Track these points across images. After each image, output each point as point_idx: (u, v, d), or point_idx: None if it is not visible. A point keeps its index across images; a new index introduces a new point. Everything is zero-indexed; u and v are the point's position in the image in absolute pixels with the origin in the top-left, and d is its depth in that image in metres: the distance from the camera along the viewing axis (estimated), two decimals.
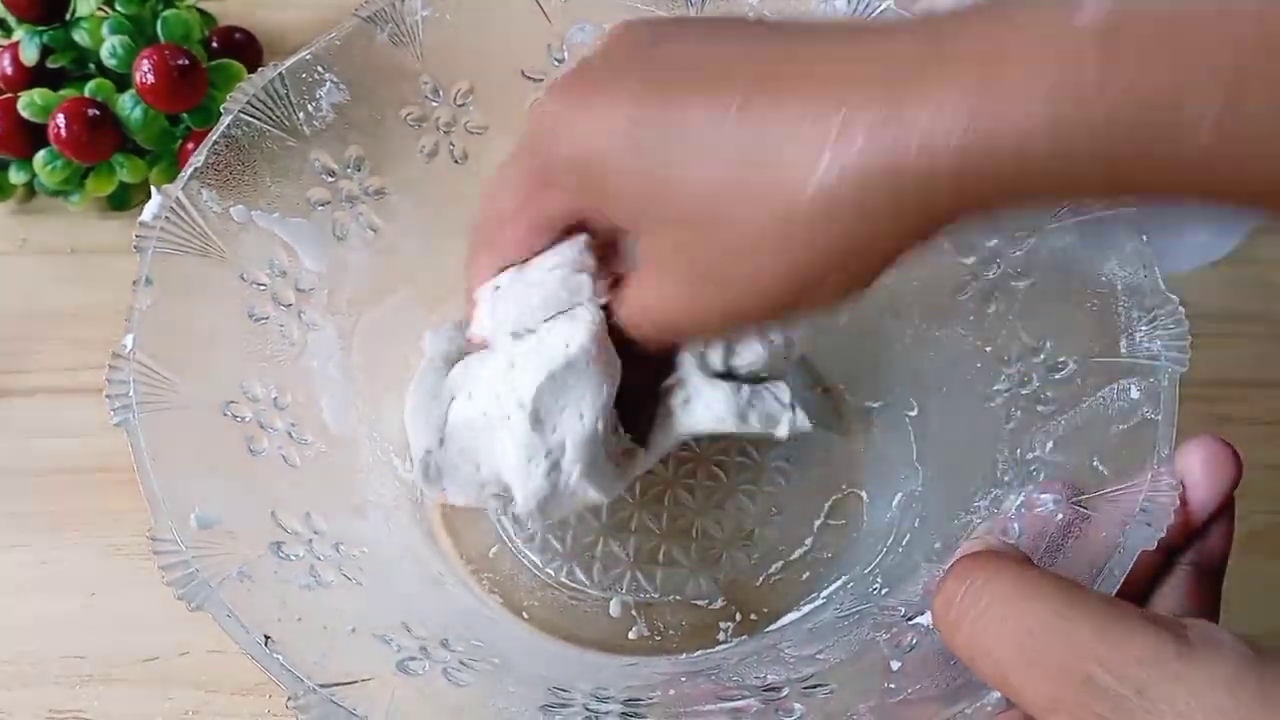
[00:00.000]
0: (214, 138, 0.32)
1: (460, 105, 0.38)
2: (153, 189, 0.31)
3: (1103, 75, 0.19)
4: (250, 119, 0.33)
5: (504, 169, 0.31)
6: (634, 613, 0.37)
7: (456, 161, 0.38)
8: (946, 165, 0.21)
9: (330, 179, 0.35)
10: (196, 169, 0.32)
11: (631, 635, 0.37)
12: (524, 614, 0.37)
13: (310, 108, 0.34)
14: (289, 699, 0.25)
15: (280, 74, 0.33)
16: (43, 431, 0.43)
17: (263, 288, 0.34)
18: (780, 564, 0.39)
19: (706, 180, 0.25)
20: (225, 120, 0.32)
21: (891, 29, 0.23)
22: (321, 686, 0.25)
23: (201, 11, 0.50)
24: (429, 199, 0.38)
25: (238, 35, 0.51)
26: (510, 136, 0.39)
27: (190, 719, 0.37)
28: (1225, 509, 0.27)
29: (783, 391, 0.34)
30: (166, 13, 0.47)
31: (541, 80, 0.38)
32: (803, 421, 0.34)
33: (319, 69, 0.34)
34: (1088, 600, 0.20)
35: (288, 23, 0.53)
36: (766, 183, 0.23)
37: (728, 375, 0.34)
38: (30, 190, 0.49)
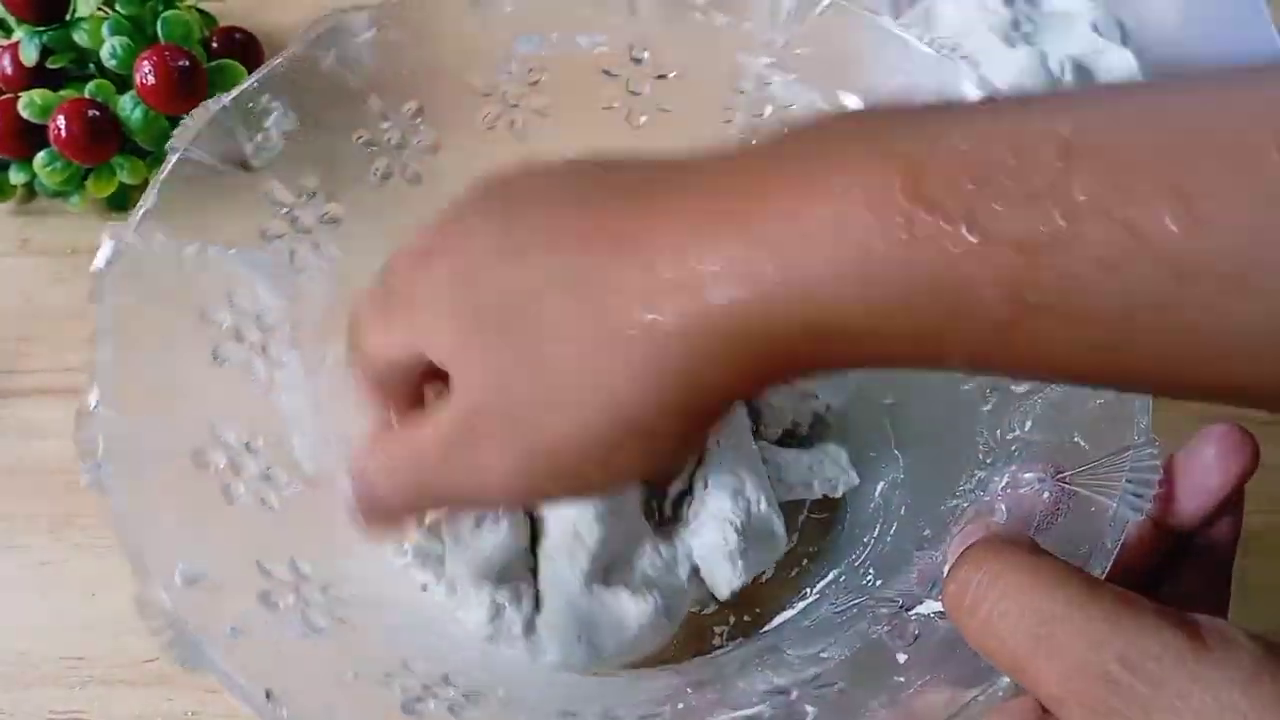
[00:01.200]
0: (162, 177, 0.31)
1: (411, 125, 0.37)
2: (104, 235, 0.30)
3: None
4: (199, 155, 0.32)
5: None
6: None
7: (410, 183, 0.38)
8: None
9: (285, 210, 0.35)
10: (148, 210, 0.31)
11: None
12: None
13: (260, 138, 0.33)
14: None
15: (225, 106, 0.32)
16: (43, 432, 0.43)
17: (225, 327, 0.33)
18: None
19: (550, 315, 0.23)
20: (172, 159, 0.31)
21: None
22: None
23: (202, 12, 0.49)
24: (385, 223, 0.37)
25: (238, 36, 0.50)
26: (462, 153, 0.38)
27: None
28: (1235, 496, 0.28)
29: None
30: (167, 13, 0.47)
31: (490, 95, 0.38)
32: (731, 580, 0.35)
33: (266, 97, 0.33)
34: (1103, 592, 0.20)
35: (288, 23, 0.53)
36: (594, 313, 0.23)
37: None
38: (30, 191, 0.48)
